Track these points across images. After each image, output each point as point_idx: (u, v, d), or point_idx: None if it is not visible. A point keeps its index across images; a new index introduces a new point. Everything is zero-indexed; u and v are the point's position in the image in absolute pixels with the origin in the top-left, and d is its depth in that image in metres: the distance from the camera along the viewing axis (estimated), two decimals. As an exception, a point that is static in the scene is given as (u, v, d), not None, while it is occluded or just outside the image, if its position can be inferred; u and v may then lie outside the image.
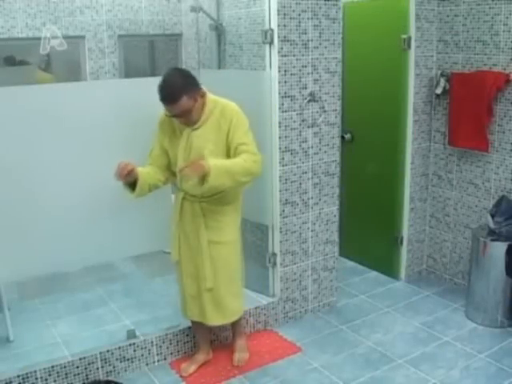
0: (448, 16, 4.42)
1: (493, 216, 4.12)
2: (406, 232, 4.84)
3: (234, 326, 3.80)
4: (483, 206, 4.41)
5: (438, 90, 4.51)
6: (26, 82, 4.30)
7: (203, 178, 3.08)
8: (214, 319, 3.55)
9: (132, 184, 3.21)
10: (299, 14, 3.76)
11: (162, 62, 5.99)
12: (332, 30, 3.93)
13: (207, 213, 3.38)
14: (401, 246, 4.89)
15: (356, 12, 4.87)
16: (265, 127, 3.84)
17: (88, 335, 3.92)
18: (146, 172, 3.28)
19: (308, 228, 4.15)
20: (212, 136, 3.27)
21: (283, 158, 3.90)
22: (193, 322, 3.68)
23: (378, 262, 5.09)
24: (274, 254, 4.09)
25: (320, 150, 4.07)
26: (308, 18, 3.80)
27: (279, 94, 3.80)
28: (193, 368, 3.65)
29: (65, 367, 3.42)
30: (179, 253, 3.49)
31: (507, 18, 4.04)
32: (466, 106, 4.30)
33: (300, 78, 3.86)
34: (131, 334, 3.69)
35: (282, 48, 3.74)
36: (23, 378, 3.29)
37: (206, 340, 3.77)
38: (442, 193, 4.74)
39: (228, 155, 3.29)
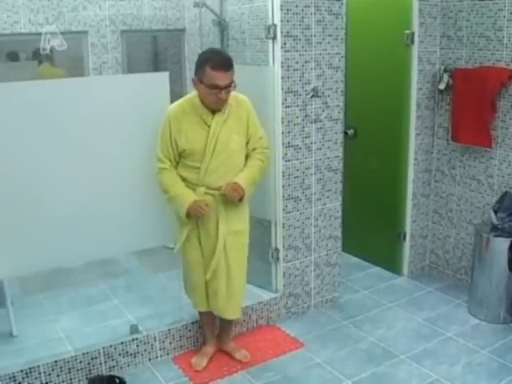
0: (451, 11, 4.41)
1: (496, 212, 4.12)
2: (408, 228, 4.84)
3: (230, 325, 3.82)
4: (486, 202, 4.41)
5: (441, 86, 4.50)
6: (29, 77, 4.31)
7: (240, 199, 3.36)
8: (232, 313, 3.60)
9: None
10: (302, 10, 3.75)
11: (164, 57, 5.99)
12: (335, 26, 3.93)
13: (228, 204, 3.40)
14: (403, 242, 4.89)
15: (359, 7, 4.85)
16: (268, 122, 3.83)
17: (91, 330, 3.92)
18: (184, 187, 3.36)
19: (311, 223, 4.15)
20: (235, 126, 3.36)
21: (286, 154, 3.90)
22: (203, 314, 3.67)
23: (381, 257, 5.09)
24: (277, 250, 4.09)
25: (323, 145, 4.07)
26: (311, 14, 3.80)
27: (282, 89, 3.80)
28: (205, 361, 3.67)
29: (68, 362, 3.43)
30: (199, 247, 3.46)
31: (511, 13, 4.02)
32: (470, 101, 4.29)
33: (303, 73, 3.86)
34: (134, 329, 3.70)
35: (285, 43, 3.74)
36: (26, 373, 3.31)
37: (213, 333, 3.80)
38: (445, 188, 4.73)
39: (246, 145, 3.43)
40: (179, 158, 3.34)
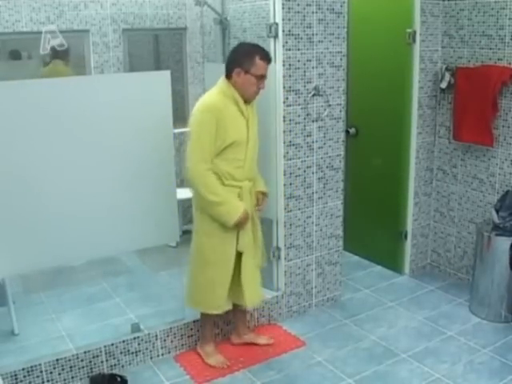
0: (453, 10, 4.41)
1: (497, 211, 4.11)
2: (410, 226, 4.84)
3: (246, 315, 3.91)
4: (488, 201, 4.41)
5: (443, 85, 4.49)
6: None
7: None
8: (258, 299, 3.71)
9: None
10: (304, 8, 3.75)
11: (166, 55, 5.99)
12: (337, 24, 3.92)
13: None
14: (405, 241, 4.89)
15: (361, 6, 4.85)
16: (269, 121, 3.84)
17: (92, 329, 3.93)
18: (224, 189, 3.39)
19: (312, 222, 4.15)
20: (256, 118, 3.51)
21: (288, 152, 3.90)
22: (211, 315, 3.64)
23: (383, 256, 5.09)
24: (279, 248, 4.09)
25: (324, 144, 4.07)
26: (313, 12, 3.80)
27: (284, 87, 3.80)
28: (223, 357, 3.72)
29: (69, 360, 3.43)
30: (235, 242, 3.48)
31: (513, 11, 4.03)
32: (471, 100, 4.29)
33: (304, 72, 3.86)
34: (135, 328, 3.70)
35: (286, 42, 3.74)
36: (28, 371, 3.31)
37: (214, 331, 3.86)
38: (447, 187, 4.73)
39: None
40: (221, 153, 3.34)
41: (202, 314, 3.69)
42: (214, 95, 3.34)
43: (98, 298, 4.42)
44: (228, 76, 3.34)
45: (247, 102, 3.38)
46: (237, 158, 3.35)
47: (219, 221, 3.37)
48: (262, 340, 3.89)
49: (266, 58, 3.34)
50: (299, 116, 3.90)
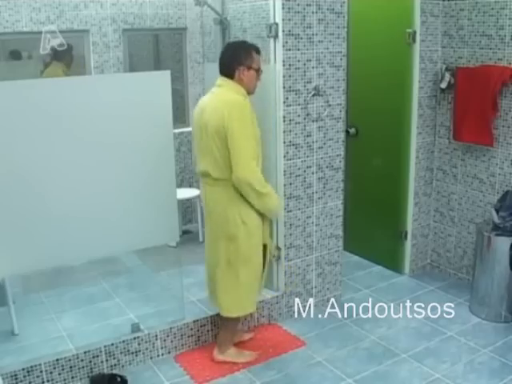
0: (453, 10, 4.41)
1: (497, 211, 4.11)
2: (410, 226, 4.84)
3: None
4: (488, 201, 4.41)
5: (443, 85, 4.49)
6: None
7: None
8: None
9: None
10: (304, 8, 3.75)
11: (166, 55, 5.99)
12: (337, 24, 3.92)
13: None
14: (405, 241, 4.89)
15: (361, 6, 4.85)
16: (269, 121, 3.84)
17: (92, 329, 3.93)
18: None
19: (312, 222, 4.15)
20: None
21: (288, 152, 3.90)
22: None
23: (383, 256, 5.09)
24: (279, 248, 4.09)
25: (324, 144, 4.07)
26: (313, 12, 3.80)
27: (284, 87, 3.80)
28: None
29: (69, 360, 3.44)
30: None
31: (513, 11, 4.03)
32: (471, 100, 4.29)
33: (304, 72, 3.86)
34: (135, 328, 3.70)
35: (286, 42, 3.74)
36: (28, 371, 3.31)
37: None
38: (447, 187, 4.73)
39: None
40: None
41: (233, 320, 3.64)
42: (235, 95, 3.33)
43: (98, 297, 4.42)
44: (230, 76, 3.35)
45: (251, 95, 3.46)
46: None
47: (267, 211, 3.45)
48: (247, 335, 3.97)
49: (258, 50, 3.45)
50: (299, 116, 3.90)
